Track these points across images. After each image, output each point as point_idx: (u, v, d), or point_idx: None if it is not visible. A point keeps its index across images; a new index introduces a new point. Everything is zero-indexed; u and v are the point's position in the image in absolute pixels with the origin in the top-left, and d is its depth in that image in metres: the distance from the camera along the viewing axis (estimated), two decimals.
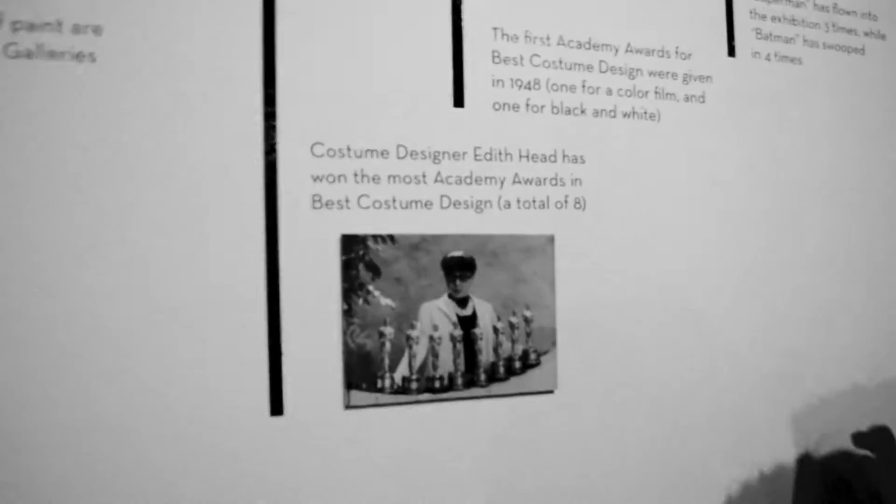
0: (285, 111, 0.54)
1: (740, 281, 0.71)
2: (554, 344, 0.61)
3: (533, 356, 0.61)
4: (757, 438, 0.71)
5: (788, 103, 0.75)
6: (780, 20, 0.75)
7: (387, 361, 0.57)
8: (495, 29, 0.62)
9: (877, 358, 0.78)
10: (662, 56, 0.68)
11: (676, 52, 0.69)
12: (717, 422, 0.69)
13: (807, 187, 0.75)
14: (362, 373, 0.56)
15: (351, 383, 0.55)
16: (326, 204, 0.56)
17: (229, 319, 0.52)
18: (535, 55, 0.63)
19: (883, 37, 0.81)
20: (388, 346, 0.57)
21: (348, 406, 0.55)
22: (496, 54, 0.62)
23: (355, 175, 0.57)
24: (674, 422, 0.67)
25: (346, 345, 0.55)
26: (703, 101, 0.70)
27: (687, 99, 0.69)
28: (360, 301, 0.56)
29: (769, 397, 0.72)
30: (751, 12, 0.73)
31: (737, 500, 0.68)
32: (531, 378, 0.61)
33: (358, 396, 0.56)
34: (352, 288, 0.56)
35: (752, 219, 0.72)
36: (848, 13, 0.79)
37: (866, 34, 0.80)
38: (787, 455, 0.72)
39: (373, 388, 0.56)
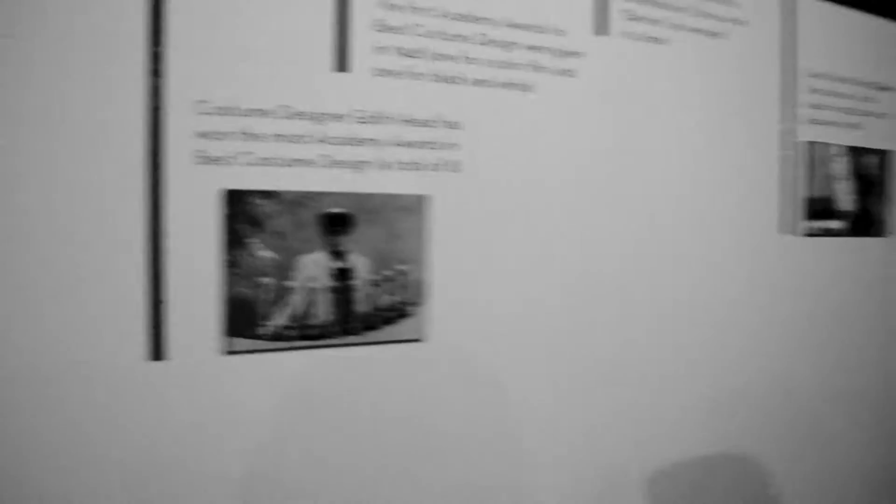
0: (172, 69, 0.66)
1: (602, 241, 0.91)
2: (426, 296, 0.78)
3: (406, 308, 0.77)
4: (608, 391, 0.92)
5: (654, 81, 0.95)
6: (649, 3, 0.94)
7: (266, 310, 0.71)
8: None
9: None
10: (538, 32, 0.85)
11: (551, 29, 0.86)
12: (571, 367, 0.89)
13: (671, 159, 0.96)
14: (243, 321, 0.70)
15: (232, 330, 0.69)
16: (211, 160, 0.69)
17: (110, 269, 0.64)
18: (418, 25, 0.78)
19: (744, 23, 1.03)
20: (268, 295, 0.71)
21: (229, 351, 0.70)
22: (380, 23, 0.76)
23: (240, 132, 0.70)
24: (532, 371, 0.86)
25: (227, 294, 0.69)
26: (575, 76, 0.88)
27: (560, 73, 0.87)
28: (242, 253, 0.70)
29: (641, 345, 0.93)
30: None
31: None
32: (404, 327, 0.77)
33: (238, 343, 0.70)
34: (234, 240, 0.69)
35: (619, 187, 0.92)
36: (713, 0, 1.00)
37: (729, 20, 1.02)
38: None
39: (252, 335, 0.70)
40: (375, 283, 0.75)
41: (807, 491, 1.13)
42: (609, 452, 0.91)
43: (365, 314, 0.75)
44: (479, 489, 0.82)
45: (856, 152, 1.16)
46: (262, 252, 0.70)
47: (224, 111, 0.68)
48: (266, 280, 0.70)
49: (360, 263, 0.74)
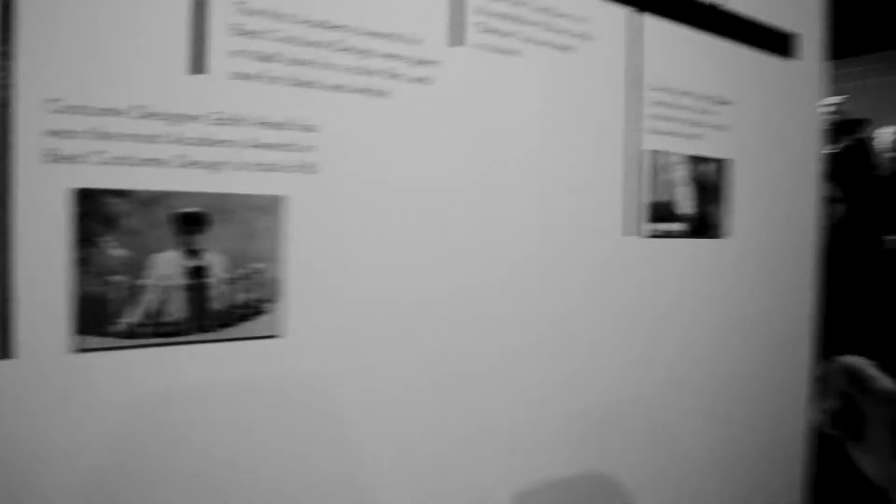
0: (22, 66, 0.70)
1: (455, 243, 1.00)
2: (281, 294, 0.85)
3: (261, 304, 0.84)
4: (472, 382, 1.02)
5: (507, 90, 1.06)
6: (502, 16, 1.05)
7: (118, 308, 0.76)
8: (236, 2, 0.82)
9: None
10: (394, 40, 0.94)
11: (407, 38, 0.95)
12: (421, 364, 0.99)
13: (521, 165, 1.08)
14: (95, 318, 0.74)
15: (83, 328, 0.73)
16: (62, 158, 0.72)
17: None
18: (276, 30, 0.85)
19: (592, 38, 1.17)
20: (120, 293, 0.76)
21: (80, 349, 0.74)
22: (238, 27, 0.82)
23: (92, 132, 0.74)
24: (386, 371, 0.95)
25: (78, 292, 0.73)
26: (431, 83, 0.97)
27: (415, 80, 0.96)
28: (94, 251, 0.74)
29: (495, 338, 1.03)
30: (476, 8, 1.02)
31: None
32: (259, 324, 0.84)
33: (89, 341, 0.74)
34: (85, 238, 0.73)
35: (471, 192, 1.01)
36: (563, 15, 1.12)
37: (578, 35, 1.15)
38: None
39: (104, 333, 0.75)
40: (231, 281, 0.81)
41: (661, 483, 1.28)
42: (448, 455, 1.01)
43: (220, 311, 0.80)
44: (329, 485, 0.89)
45: (695, 160, 1.32)
46: (115, 250, 0.74)
47: (76, 110, 0.72)
48: (119, 278, 0.74)
49: (215, 262, 0.80)
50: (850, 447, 0.74)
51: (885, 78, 7.20)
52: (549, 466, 1.11)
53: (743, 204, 1.40)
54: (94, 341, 0.73)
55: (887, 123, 5.47)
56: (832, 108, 4.96)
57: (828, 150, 4.60)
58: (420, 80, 0.95)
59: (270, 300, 0.83)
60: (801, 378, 1.57)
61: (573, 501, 1.14)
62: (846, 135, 4.74)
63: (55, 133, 0.71)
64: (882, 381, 0.72)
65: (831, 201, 3.16)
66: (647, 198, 1.23)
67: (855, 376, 0.72)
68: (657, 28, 1.24)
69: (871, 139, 4.66)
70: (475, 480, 1.02)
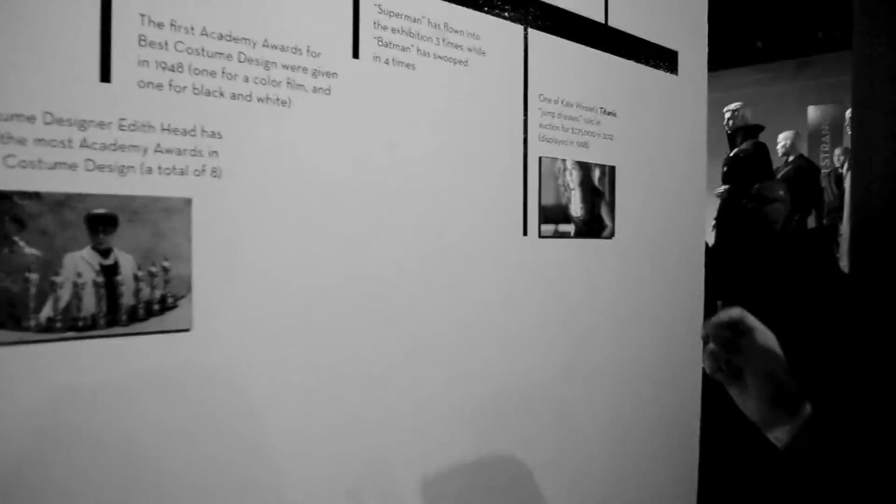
0: None
1: (356, 245, 1.09)
2: (190, 290, 0.92)
3: (170, 300, 0.90)
4: (391, 378, 1.10)
5: (404, 101, 1.15)
6: (399, 31, 1.14)
7: (32, 304, 0.80)
8: (142, 15, 0.88)
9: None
10: (295, 52, 1.02)
11: (307, 51, 1.03)
12: (329, 360, 1.06)
13: (422, 173, 1.17)
14: (8, 314, 0.79)
15: None
16: None
17: None
18: (180, 42, 0.91)
19: (483, 53, 1.27)
20: (32, 290, 0.80)
21: None
22: (143, 38, 0.88)
23: (1, 137, 0.79)
24: (291, 363, 1.02)
25: None
26: (329, 94, 1.06)
27: (315, 90, 1.04)
28: (5, 250, 0.79)
29: (404, 331, 1.12)
30: (374, 23, 1.11)
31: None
32: (169, 319, 0.90)
33: (3, 335, 0.79)
34: None
35: (371, 197, 1.10)
36: (456, 31, 1.23)
37: (470, 49, 1.25)
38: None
39: (18, 327, 0.80)
40: (140, 278, 0.87)
41: (560, 480, 1.39)
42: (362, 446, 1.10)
43: (131, 307, 0.86)
44: (236, 476, 0.96)
45: (585, 166, 1.45)
46: (27, 249, 0.79)
47: None
48: (31, 276, 0.80)
49: (124, 260, 0.86)
50: (731, 391, 0.86)
51: (782, 86, 7.70)
52: (452, 452, 1.20)
53: (628, 206, 1.54)
54: (6, 335, 0.78)
55: (784, 128, 5.86)
56: (731, 114, 5.29)
57: (728, 153, 4.89)
58: (319, 90, 1.03)
59: (179, 296, 0.89)
60: (690, 364, 1.72)
61: (477, 483, 1.24)
62: (746, 139, 5.07)
63: None
64: (760, 332, 0.84)
65: (773, 201, 3.39)
66: (540, 201, 1.34)
67: (736, 327, 0.83)
68: (544, 42, 1.36)
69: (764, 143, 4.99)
70: (383, 464, 1.10)
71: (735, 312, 0.83)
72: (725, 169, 5.00)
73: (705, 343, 0.85)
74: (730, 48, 5.53)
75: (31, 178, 0.79)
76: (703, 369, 0.83)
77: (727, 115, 5.24)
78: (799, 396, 0.80)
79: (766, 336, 0.82)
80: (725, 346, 0.83)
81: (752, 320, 0.83)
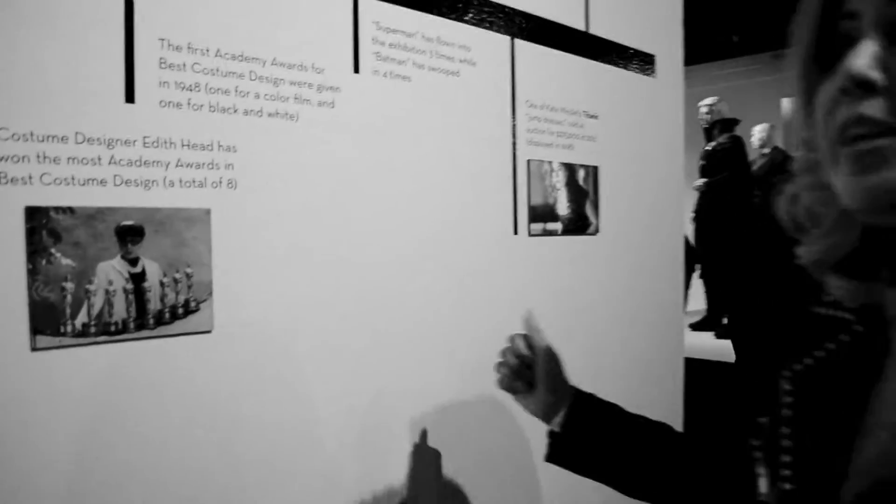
0: None
1: (362, 246, 1.17)
2: (211, 294, 0.99)
3: (193, 304, 0.98)
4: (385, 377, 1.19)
5: (402, 111, 1.23)
6: (395, 46, 1.23)
7: (68, 311, 0.88)
8: (162, 39, 0.96)
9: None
10: (301, 69, 1.10)
11: (312, 67, 1.11)
12: (341, 355, 1.15)
13: (420, 177, 1.25)
14: (47, 321, 0.86)
15: (37, 329, 0.86)
16: (12, 180, 0.84)
17: None
18: (197, 63, 0.99)
19: (474, 64, 1.36)
20: (69, 298, 0.88)
21: (35, 348, 0.86)
22: (163, 60, 0.96)
23: (38, 156, 0.86)
24: (302, 350, 1.10)
25: (31, 297, 0.85)
26: (333, 107, 1.13)
27: (320, 104, 1.12)
28: (44, 262, 0.86)
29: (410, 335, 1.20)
30: (372, 39, 1.19)
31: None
32: (192, 321, 0.97)
33: (43, 340, 0.86)
34: (36, 251, 0.85)
35: (374, 202, 1.18)
36: (448, 44, 1.31)
37: (461, 61, 1.34)
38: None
39: (57, 332, 0.87)
40: (165, 285, 0.95)
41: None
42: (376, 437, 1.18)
43: (157, 311, 0.94)
44: (255, 466, 1.04)
45: (570, 167, 1.54)
46: (63, 260, 0.87)
47: (22, 137, 0.84)
48: (67, 285, 0.87)
49: (151, 268, 0.94)
50: (520, 400, 1.00)
51: (757, 79, 7.85)
52: (450, 438, 1.29)
53: (611, 204, 1.64)
54: (47, 340, 0.85)
55: (760, 121, 6.00)
56: (707, 108, 5.41)
57: (705, 146, 5.01)
58: (324, 104, 1.11)
59: (201, 300, 0.97)
60: (670, 352, 1.82)
61: (471, 468, 1.32)
62: (722, 132, 5.20)
63: (3, 158, 0.83)
64: (540, 335, 0.97)
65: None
66: (529, 201, 1.43)
67: (526, 336, 0.98)
68: (529, 51, 1.45)
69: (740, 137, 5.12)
70: (395, 452, 1.19)
71: (532, 328, 0.98)
72: (703, 163, 5.12)
73: (501, 362, 0.99)
74: (705, 43, 5.65)
75: (65, 193, 0.87)
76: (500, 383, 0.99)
77: (703, 109, 5.37)
78: (569, 385, 0.97)
79: (543, 338, 0.97)
80: (520, 355, 0.97)
81: (534, 324, 0.98)
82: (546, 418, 0.96)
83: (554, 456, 0.96)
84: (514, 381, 0.97)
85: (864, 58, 0.48)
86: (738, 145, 5.09)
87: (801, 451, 0.59)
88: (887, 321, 0.57)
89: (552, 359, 0.95)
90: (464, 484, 1.31)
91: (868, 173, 0.49)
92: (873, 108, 0.48)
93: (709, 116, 5.30)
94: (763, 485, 0.62)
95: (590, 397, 0.97)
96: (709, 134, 5.31)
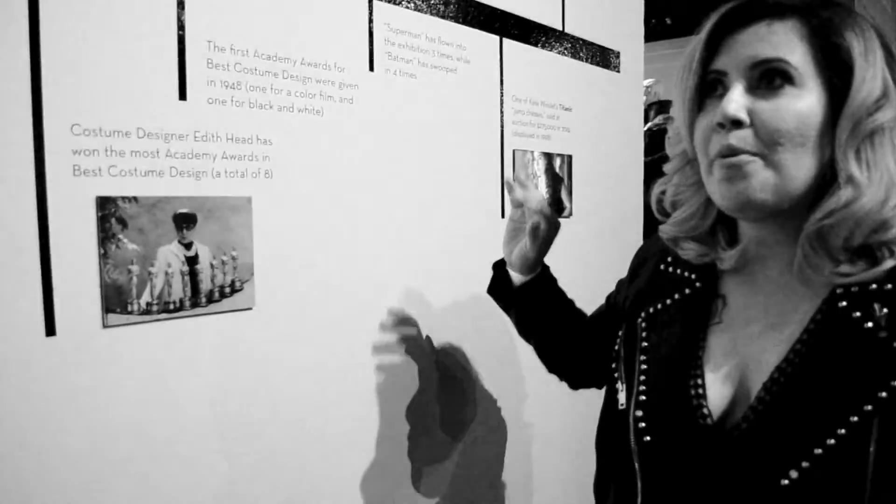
0: (50, 99, 0.89)
1: (379, 227, 1.29)
2: (252, 274, 1.10)
3: (238, 283, 1.08)
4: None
5: (409, 105, 1.34)
6: (404, 46, 1.34)
7: (134, 291, 0.97)
8: (209, 42, 1.05)
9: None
10: (326, 69, 1.20)
11: (335, 66, 1.21)
12: (365, 330, 1.27)
13: (422, 163, 1.38)
14: (116, 300, 0.95)
15: (108, 308, 0.95)
16: (84, 172, 0.93)
17: (7, 263, 0.86)
18: (238, 63, 1.08)
19: (468, 62, 1.48)
20: (135, 279, 0.97)
21: (106, 325, 0.95)
22: (210, 61, 1.05)
23: (106, 150, 0.95)
24: (332, 327, 1.22)
25: (102, 279, 0.94)
26: (352, 103, 1.24)
27: (341, 100, 1.22)
28: (113, 247, 0.95)
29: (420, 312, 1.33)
30: (385, 39, 1.30)
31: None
32: (238, 299, 1.08)
33: (113, 318, 0.95)
34: (106, 237, 0.95)
35: (386, 187, 1.30)
36: (447, 44, 1.43)
37: (458, 59, 1.46)
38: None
39: (125, 311, 0.96)
40: (215, 266, 1.05)
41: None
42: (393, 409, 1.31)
43: (209, 290, 1.04)
44: (292, 427, 1.16)
45: (548, 156, 1.69)
46: (129, 245, 0.96)
47: (92, 132, 0.93)
48: (133, 267, 0.97)
49: (202, 251, 1.04)
50: (514, 235, 1.17)
51: None
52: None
53: (581, 189, 1.79)
54: (116, 318, 0.95)
55: None
56: (644, 90, 5.64)
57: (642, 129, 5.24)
58: (345, 100, 1.22)
59: (244, 280, 1.08)
60: None
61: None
62: (658, 114, 5.43)
63: (77, 152, 0.91)
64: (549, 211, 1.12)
65: None
66: None
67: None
68: (517, 50, 1.58)
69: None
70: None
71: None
72: (646, 141, 5.34)
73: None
74: (655, 20, 5.84)
75: (130, 184, 0.96)
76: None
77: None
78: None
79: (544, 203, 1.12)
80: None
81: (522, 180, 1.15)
82: (521, 269, 1.13)
83: (494, 292, 1.19)
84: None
85: (733, 103, 0.70)
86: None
87: (652, 370, 0.83)
88: (718, 275, 0.84)
89: (555, 228, 1.11)
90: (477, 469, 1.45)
91: (733, 182, 0.71)
92: (739, 138, 0.70)
93: (646, 98, 5.51)
94: (622, 396, 0.86)
95: (551, 278, 1.16)
96: (645, 115, 5.53)
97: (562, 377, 1.16)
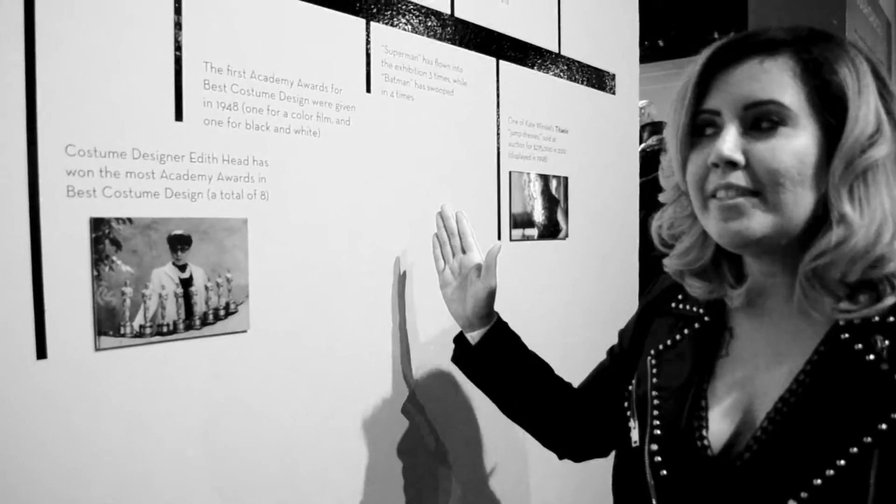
0: (45, 119, 0.89)
1: (376, 247, 1.28)
2: (247, 297, 1.09)
3: (232, 306, 1.07)
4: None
5: (403, 128, 1.35)
6: (401, 68, 1.34)
7: (127, 314, 0.96)
8: (206, 62, 1.05)
9: None
10: (322, 90, 1.20)
11: (332, 87, 1.21)
12: (375, 355, 1.26)
13: (418, 186, 1.37)
14: (109, 323, 0.94)
15: (100, 331, 0.94)
16: (78, 193, 0.92)
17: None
18: (235, 84, 1.08)
19: (465, 83, 1.48)
20: (128, 301, 0.96)
21: (98, 349, 0.94)
22: (206, 82, 1.05)
23: (100, 170, 0.94)
24: (331, 355, 1.21)
25: (95, 302, 0.93)
26: (349, 124, 1.24)
27: (338, 122, 1.22)
28: (106, 268, 0.94)
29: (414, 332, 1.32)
30: (382, 61, 1.30)
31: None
32: (231, 322, 1.07)
33: (106, 341, 0.94)
34: (100, 259, 0.93)
35: (382, 208, 1.30)
36: (444, 66, 1.43)
37: (455, 81, 1.46)
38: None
39: (117, 334, 0.95)
40: (209, 288, 1.04)
41: None
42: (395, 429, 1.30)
43: (203, 313, 1.03)
44: (286, 453, 1.14)
45: (545, 178, 1.69)
46: (123, 267, 0.95)
47: (87, 153, 0.92)
48: (126, 289, 0.95)
49: (197, 273, 1.03)
50: (449, 293, 1.23)
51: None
52: (446, 431, 1.41)
53: (577, 211, 1.79)
54: (109, 341, 0.93)
55: None
56: (638, 112, 5.66)
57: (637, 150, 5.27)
58: (342, 121, 1.21)
59: (239, 302, 1.07)
60: None
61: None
62: (652, 135, 5.46)
63: (72, 172, 0.91)
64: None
65: None
66: (512, 209, 1.57)
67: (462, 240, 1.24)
68: (513, 72, 1.59)
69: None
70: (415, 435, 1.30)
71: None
72: (640, 162, 5.36)
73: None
74: (649, 42, 5.90)
75: (124, 205, 0.95)
76: None
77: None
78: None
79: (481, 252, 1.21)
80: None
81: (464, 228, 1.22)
82: (469, 326, 1.16)
83: (459, 360, 1.20)
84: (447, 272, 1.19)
85: (728, 143, 0.71)
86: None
87: (664, 405, 0.83)
88: (727, 311, 0.85)
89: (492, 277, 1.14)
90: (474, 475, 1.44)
91: (730, 221, 0.72)
92: (736, 178, 0.71)
93: (640, 120, 5.54)
94: (635, 434, 0.86)
95: (505, 325, 1.17)
96: (640, 136, 5.55)
97: (560, 452, 1.15)
